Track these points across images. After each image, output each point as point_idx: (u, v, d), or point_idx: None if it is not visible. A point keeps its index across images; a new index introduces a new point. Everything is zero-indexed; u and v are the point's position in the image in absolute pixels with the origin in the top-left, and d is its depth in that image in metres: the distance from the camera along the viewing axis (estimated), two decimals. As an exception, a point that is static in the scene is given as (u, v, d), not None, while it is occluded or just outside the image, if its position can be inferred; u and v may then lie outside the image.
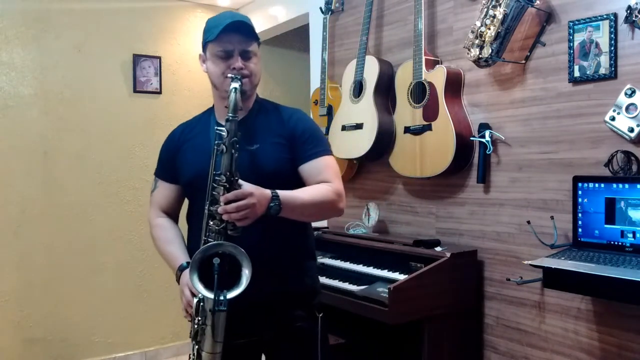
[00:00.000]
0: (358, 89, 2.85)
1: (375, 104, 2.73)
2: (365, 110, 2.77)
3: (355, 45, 2.90)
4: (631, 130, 1.88)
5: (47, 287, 3.51)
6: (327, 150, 1.71)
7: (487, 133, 2.35)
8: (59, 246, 3.55)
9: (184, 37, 4.02)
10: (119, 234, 3.76)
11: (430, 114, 2.49)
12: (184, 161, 1.72)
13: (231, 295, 1.40)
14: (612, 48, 1.95)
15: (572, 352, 2.10)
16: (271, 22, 3.90)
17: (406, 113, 2.62)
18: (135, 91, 3.82)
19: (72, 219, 3.60)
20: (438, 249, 2.35)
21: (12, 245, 3.41)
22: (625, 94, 1.89)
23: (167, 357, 3.94)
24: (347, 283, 2.41)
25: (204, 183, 1.55)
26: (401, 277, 2.25)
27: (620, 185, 1.86)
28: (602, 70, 1.98)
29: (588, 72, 2.03)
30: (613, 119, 1.92)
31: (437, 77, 2.46)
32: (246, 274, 1.42)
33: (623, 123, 1.90)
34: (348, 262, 2.59)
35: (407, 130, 2.61)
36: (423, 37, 2.53)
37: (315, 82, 3.42)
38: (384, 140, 2.71)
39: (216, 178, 1.46)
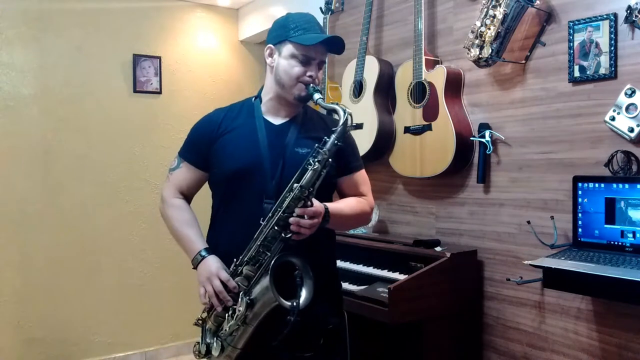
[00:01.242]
0: (358, 89, 2.85)
1: (375, 104, 2.73)
2: (365, 110, 2.77)
3: (355, 45, 2.90)
4: (631, 130, 1.88)
5: (47, 287, 3.51)
6: (362, 165, 1.79)
7: (487, 133, 2.35)
8: (59, 246, 3.54)
9: (184, 37, 4.01)
10: (119, 234, 3.76)
11: (430, 114, 2.49)
12: (226, 152, 1.66)
13: (302, 304, 1.47)
14: (612, 48, 1.95)
15: (572, 352, 2.10)
16: (271, 22, 3.88)
17: (406, 113, 2.62)
18: (135, 91, 3.81)
19: (72, 219, 3.59)
20: (438, 249, 2.35)
21: (12, 244, 3.41)
22: (625, 94, 1.89)
23: (167, 357, 3.94)
24: (347, 283, 2.41)
25: (250, 177, 1.59)
26: (401, 277, 2.25)
27: (620, 185, 1.86)
28: (602, 70, 1.98)
29: (588, 72, 2.03)
30: (613, 119, 1.92)
31: (437, 77, 2.46)
32: (309, 287, 1.50)
33: (623, 123, 1.90)
34: (348, 262, 2.59)
35: (407, 130, 2.61)
36: (423, 37, 2.53)
37: (315, 82, 3.42)
38: (384, 140, 2.71)
39: (300, 190, 1.48)
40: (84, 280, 3.63)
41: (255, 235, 1.53)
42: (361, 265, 2.52)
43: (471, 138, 2.42)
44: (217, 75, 4.15)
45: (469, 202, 2.49)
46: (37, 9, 3.48)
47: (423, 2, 2.55)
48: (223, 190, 1.70)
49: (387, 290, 2.10)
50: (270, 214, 1.52)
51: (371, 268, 2.47)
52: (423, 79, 2.52)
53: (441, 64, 2.56)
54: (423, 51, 2.52)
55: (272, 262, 1.48)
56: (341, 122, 1.52)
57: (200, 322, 1.67)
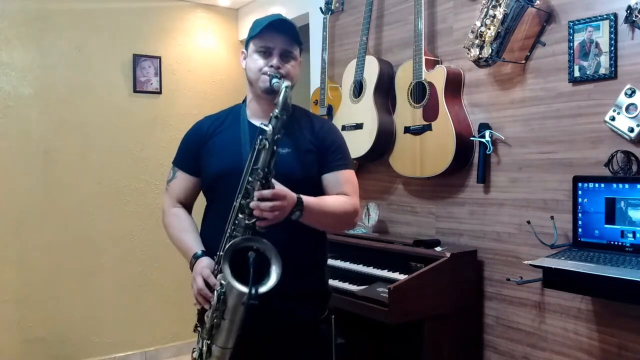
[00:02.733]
0: (358, 89, 2.85)
1: (375, 104, 2.73)
2: (365, 110, 2.77)
3: (355, 45, 2.90)
4: (631, 130, 1.88)
5: (47, 287, 3.51)
6: (350, 165, 1.75)
7: (487, 133, 2.35)
8: (59, 246, 3.54)
9: (184, 37, 4.01)
10: (119, 234, 3.76)
11: (430, 114, 2.49)
12: (211, 154, 1.70)
13: (263, 289, 1.40)
14: (612, 48, 1.95)
15: (572, 352, 2.10)
16: (271, 22, 3.90)
17: (406, 113, 2.62)
18: (135, 91, 3.81)
19: (72, 219, 3.59)
20: (438, 249, 2.35)
21: (12, 244, 3.41)
22: (625, 94, 1.89)
23: (167, 357, 3.94)
24: (347, 283, 2.41)
25: (232, 178, 1.57)
26: (401, 277, 2.25)
27: (620, 185, 1.86)
28: (602, 70, 1.98)
29: (588, 72, 2.03)
30: (613, 119, 1.92)
31: (437, 77, 2.46)
32: (276, 271, 1.43)
33: (623, 123, 1.90)
34: (348, 262, 2.59)
35: (407, 130, 2.61)
36: (423, 37, 2.53)
37: (315, 82, 3.42)
38: (384, 140, 2.71)
39: (254, 172, 1.44)
40: (84, 280, 3.63)
41: (226, 228, 1.52)
42: (361, 265, 2.52)
43: (471, 138, 2.42)
44: (217, 75, 4.15)
45: (469, 202, 2.49)
46: (37, 9, 3.48)
47: (423, 2, 2.55)
48: (209, 194, 1.74)
49: (387, 290, 2.10)
50: (233, 205, 1.50)
51: (371, 268, 2.47)
52: (423, 79, 2.52)
53: (441, 64, 2.56)
54: (423, 51, 2.52)
55: (227, 246, 1.44)
56: (281, 95, 1.46)
57: (198, 327, 1.66)
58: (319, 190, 1.68)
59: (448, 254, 2.26)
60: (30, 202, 3.46)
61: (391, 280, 2.25)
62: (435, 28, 2.63)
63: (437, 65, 2.52)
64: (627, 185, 1.85)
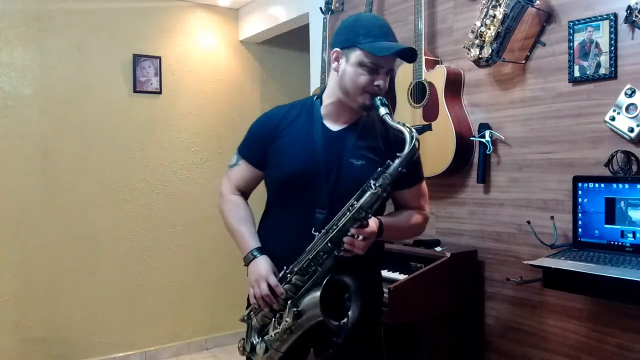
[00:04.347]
0: (358, 89, 2.85)
1: (375, 104, 2.73)
2: (365, 110, 2.76)
3: (355, 45, 2.90)
4: (631, 130, 1.88)
5: (47, 287, 3.51)
6: (423, 177, 1.75)
7: (487, 133, 2.35)
8: (59, 246, 3.54)
9: (184, 37, 4.01)
10: (119, 234, 3.76)
11: (430, 114, 2.49)
12: (282, 153, 1.64)
13: (349, 326, 1.48)
14: (612, 48, 1.95)
15: (572, 352, 2.10)
16: (271, 22, 3.90)
17: (406, 113, 2.62)
18: (135, 91, 3.81)
19: (72, 219, 3.59)
20: (438, 249, 2.35)
21: (12, 245, 3.41)
22: (625, 94, 1.89)
23: (167, 357, 3.94)
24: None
25: (302, 182, 1.58)
26: (401, 277, 2.25)
27: (620, 185, 1.86)
28: (602, 70, 1.98)
29: (588, 72, 2.03)
30: (613, 119, 1.92)
31: (437, 77, 2.46)
32: (355, 312, 1.50)
33: (623, 123, 1.90)
34: (348, 262, 2.58)
35: (407, 130, 2.61)
36: (423, 37, 2.53)
37: (315, 82, 3.42)
38: (384, 140, 2.70)
39: (357, 211, 1.46)
40: (84, 280, 3.63)
41: (308, 248, 1.52)
42: (361, 265, 2.51)
43: (471, 138, 2.42)
44: (217, 75, 4.15)
45: (469, 202, 2.49)
46: (37, 9, 3.48)
47: (423, 2, 2.55)
48: (276, 193, 1.70)
49: (387, 290, 2.10)
50: (325, 230, 1.51)
51: (371, 268, 2.47)
52: (423, 79, 2.52)
53: (441, 64, 2.56)
54: (423, 51, 2.52)
55: (326, 279, 1.48)
56: (407, 148, 1.46)
57: (246, 318, 1.67)
58: (387, 198, 1.65)
59: (448, 254, 2.25)
60: (30, 202, 3.46)
61: (391, 280, 2.25)
62: (435, 28, 2.63)
63: (437, 65, 2.52)
64: (627, 185, 1.85)
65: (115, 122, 3.74)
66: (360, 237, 1.47)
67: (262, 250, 1.63)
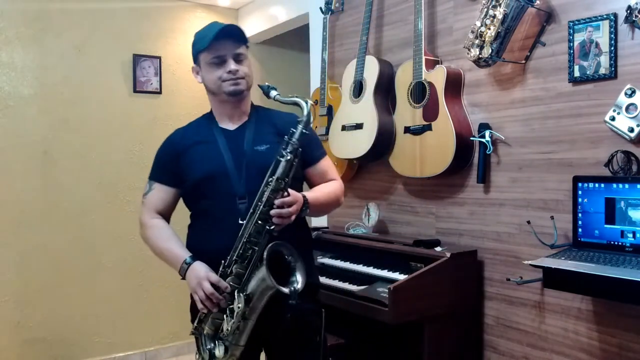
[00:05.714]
0: (358, 89, 2.85)
1: (375, 104, 2.73)
2: (365, 110, 2.77)
3: (355, 45, 2.90)
4: (631, 130, 1.88)
5: (47, 287, 3.51)
6: (324, 150, 1.90)
7: (487, 133, 2.35)
8: (59, 246, 3.54)
9: (184, 37, 4.01)
10: (119, 234, 3.76)
11: (430, 114, 2.49)
12: (192, 162, 1.76)
13: (298, 287, 1.55)
14: (612, 48, 1.95)
15: (572, 352, 2.10)
16: (271, 22, 3.90)
17: (406, 113, 2.62)
18: (135, 91, 3.82)
19: (72, 219, 3.59)
20: (438, 249, 2.35)
21: (12, 245, 3.41)
22: (625, 94, 1.89)
23: (167, 357, 3.94)
24: (347, 283, 2.41)
25: (218, 181, 1.67)
26: (401, 277, 2.25)
27: (620, 185, 1.86)
28: (602, 70, 1.98)
29: (588, 72, 2.03)
30: (613, 119, 1.92)
31: (437, 77, 2.46)
32: (301, 272, 1.57)
33: (623, 123, 1.90)
34: (348, 262, 2.59)
35: (407, 130, 2.61)
36: (423, 37, 2.52)
37: (315, 82, 3.42)
38: (384, 141, 2.71)
39: (277, 182, 1.54)
40: (84, 280, 3.63)
41: (240, 234, 1.58)
42: (361, 265, 2.51)
43: (471, 138, 2.42)
44: (217, 75, 4.15)
45: (469, 202, 2.49)
46: (37, 9, 3.48)
47: (423, 2, 2.55)
48: (195, 202, 1.78)
49: (387, 290, 2.10)
50: (251, 210, 1.57)
51: (371, 268, 2.47)
52: (423, 79, 2.52)
53: (441, 64, 2.56)
54: (423, 51, 2.52)
55: (265, 253, 1.53)
56: (305, 112, 1.59)
57: (196, 330, 1.67)
58: (302, 181, 1.81)
59: (448, 254, 2.25)
60: (30, 202, 3.46)
61: (391, 280, 2.25)
62: (435, 28, 2.63)
63: (437, 65, 2.52)
64: (627, 185, 1.85)
65: (115, 122, 3.75)
66: (285, 207, 1.55)
67: (194, 257, 1.67)
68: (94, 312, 3.66)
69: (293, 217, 1.57)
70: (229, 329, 1.56)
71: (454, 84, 2.47)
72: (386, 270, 2.40)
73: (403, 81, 2.64)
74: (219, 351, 1.59)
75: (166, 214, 1.86)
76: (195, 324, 1.68)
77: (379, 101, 2.75)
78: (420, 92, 2.54)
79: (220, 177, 1.68)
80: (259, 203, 1.56)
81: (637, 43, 1.91)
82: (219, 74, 1.70)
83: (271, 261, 1.53)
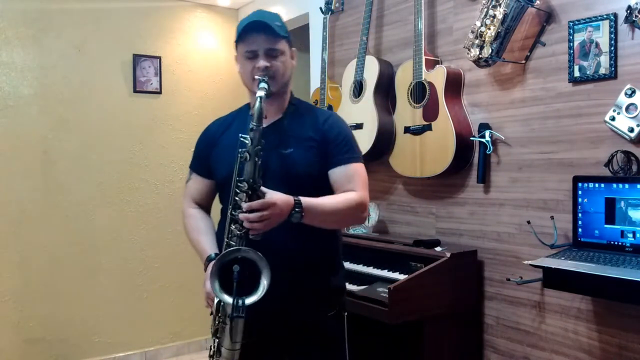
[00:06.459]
0: (358, 89, 2.85)
1: (375, 104, 2.73)
2: (365, 110, 2.77)
3: (355, 45, 2.90)
4: (631, 130, 1.88)
5: (47, 287, 3.51)
6: (358, 158, 1.70)
7: (487, 133, 2.35)
8: (59, 246, 3.54)
9: (184, 37, 4.02)
10: (119, 234, 3.76)
11: (430, 114, 2.49)
12: (218, 159, 1.72)
13: (249, 301, 1.41)
14: (612, 48, 1.95)
15: (572, 352, 2.10)
16: (271, 22, 3.90)
17: (406, 113, 2.62)
18: (135, 91, 3.82)
19: (72, 219, 3.59)
20: (438, 249, 2.35)
21: (12, 245, 3.41)
22: (625, 94, 1.89)
23: (167, 357, 3.94)
24: (347, 283, 2.40)
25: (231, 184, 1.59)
26: (401, 277, 2.25)
27: (620, 185, 1.86)
28: (602, 70, 1.98)
29: (588, 72, 2.03)
30: (613, 119, 1.92)
31: (437, 77, 2.46)
32: (264, 283, 1.42)
33: (623, 123, 1.90)
34: (348, 262, 2.58)
35: (407, 130, 2.61)
36: (423, 37, 2.53)
37: (315, 82, 3.42)
38: (384, 140, 2.71)
39: (239, 184, 1.47)
40: (84, 280, 3.63)
41: (223, 237, 1.54)
42: (361, 265, 2.51)
43: (471, 138, 2.42)
44: (217, 75, 4.15)
45: (469, 202, 2.49)
46: (37, 9, 3.48)
47: (423, 2, 2.55)
48: (221, 196, 1.75)
49: (387, 290, 2.10)
50: (228, 215, 1.52)
51: (371, 268, 2.47)
52: (423, 79, 2.52)
53: (441, 64, 2.56)
54: (423, 51, 2.52)
55: (216, 259, 1.46)
56: (255, 107, 1.47)
57: (211, 329, 1.67)
58: (325, 186, 1.65)
59: (448, 254, 2.25)
60: (30, 202, 3.46)
61: (391, 280, 2.25)
62: (435, 28, 2.63)
63: (437, 65, 2.52)
64: (627, 185, 1.85)
65: (115, 122, 3.74)
66: (256, 213, 1.41)
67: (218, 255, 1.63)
68: (94, 312, 3.66)
69: (267, 223, 1.43)
70: (212, 327, 1.56)
71: (454, 84, 2.47)
72: (386, 270, 2.40)
73: (403, 81, 2.64)
74: (214, 349, 1.58)
75: (205, 205, 1.82)
76: (212, 325, 1.68)
77: (379, 101, 2.75)
78: (420, 92, 2.54)
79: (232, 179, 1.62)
80: (229, 206, 1.50)
81: (637, 43, 1.91)
82: (249, 69, 1.62)
83: (243, 268, 1.42)
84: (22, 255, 3.44)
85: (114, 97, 3.75)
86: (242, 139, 1.48)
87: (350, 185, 1.64)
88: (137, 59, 3.80)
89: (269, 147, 1.57)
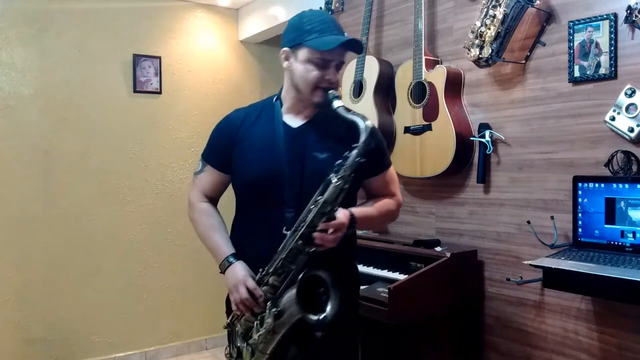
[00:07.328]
0: (358, 89, 2.85)
1: (375, 104, 2.73)
2: (365, 110, 2.76)
3: (355, 45, 2.90)
4: (631, 130, 1.88)
5: (47, 287, 3.51)
6: (390, 162, 1.75)
7: (487, 133, 2.35)
8: (59, 246, 3.54)
9: (184, 37, 4.01)
10: (119, 234, 3.76)
11: (431, 114, 2.49)
12: (245, 155, 1.64)
13: (328, 320, 1.47)
14: (612, 48, 1.95)
15: (572, 352, 2.10)
16: (271, 22, 3.90)
17: (406, 113, 2.62)
18: (135, 91, 3.81)
19: (72, 219, 3.59)
20: (438, 249, 2.35)
21: (12, 245, 3.41)
22: (625, 94, 1.89)
23: (167, 357, 3.94)
24: (347, 283, 2.41)
25: (269, 183, 1.57)
26: (401, 277, 2.25)
27: (620, 185, 1.86)
28: (602, 70, 1.98)
29: (588, 72, 2.03)
30: (613, 119, 1.92)
31: (437, 77, 2.46)
32: (333, 304, 1.48)
33: (623, 123, 1.90)
34: (348, 262, 2.59)
35: (407, 130, 2.61)
36: (423, 37, 2.53)
37: (315, 82, 3.42)
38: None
39: (323, 206, 1.45)
40: (84, 280, 3.63)
41: (280, 248, 1.51)
42: (361, 265, 2.51)
43: (471, 138, 2.42)
44: (217, 75, 4.15)
45: (469, 202, 2.49)
46: (37, 9, 3.48)
47: (423, 2, 2.55)
48: (243, 197, 1.69)
49: (387, 290, 2.10)
50: (293, 228, 1.50)
51: (371, 268, 2.47)
52: (423, 79, 2.52)
53: (441, 64, 2.56)
54: (423, 51, 2.52)
55: (300, 276, 1.47)
56: (362, 139, 1.45)
57: (228, 326, 1.66)
58: (353, 187, 1.63)
59: (448, 254, 2.26)
60: (30, 202, 3.46)
61: (391, 280, 2.25)
62: (435, 28, 2.63)
63: (437, 65, 2.52)
64: (627, 185, 1.85)
65: (115, 122, 3.74)
66: (330, 231, 1.46)
67: (237, 255, 1.63)
68: (94, 312, 3.65)
69: (336, 242, 1.48)
70: (257, 338, 1.54)
71: (454, 84, 2.47)
72: (386, 270, 2.40)
73: (403, 81, 2.65)
74: (246, 352, 1.58)
75: (214, 198, 1.77)
76: (228, 320, 1.66)
77: (379, 101, 2.75)
78: (420, 92, 2.54)
79: (273, 180, 1.57)
80: (303, 223, 1.47)
81: (637, 43, 1.91)
82: (315, 77, 1.54)
83: (306, 285, 1.47)
84: (23, 255, 3.44)
85: (114, 97, 3.74)
86: (341, 164, 1.46)
87: (387, 190, 1.72)
88: (137, 59, 3.80)
89: (302, 148, 1.57)
